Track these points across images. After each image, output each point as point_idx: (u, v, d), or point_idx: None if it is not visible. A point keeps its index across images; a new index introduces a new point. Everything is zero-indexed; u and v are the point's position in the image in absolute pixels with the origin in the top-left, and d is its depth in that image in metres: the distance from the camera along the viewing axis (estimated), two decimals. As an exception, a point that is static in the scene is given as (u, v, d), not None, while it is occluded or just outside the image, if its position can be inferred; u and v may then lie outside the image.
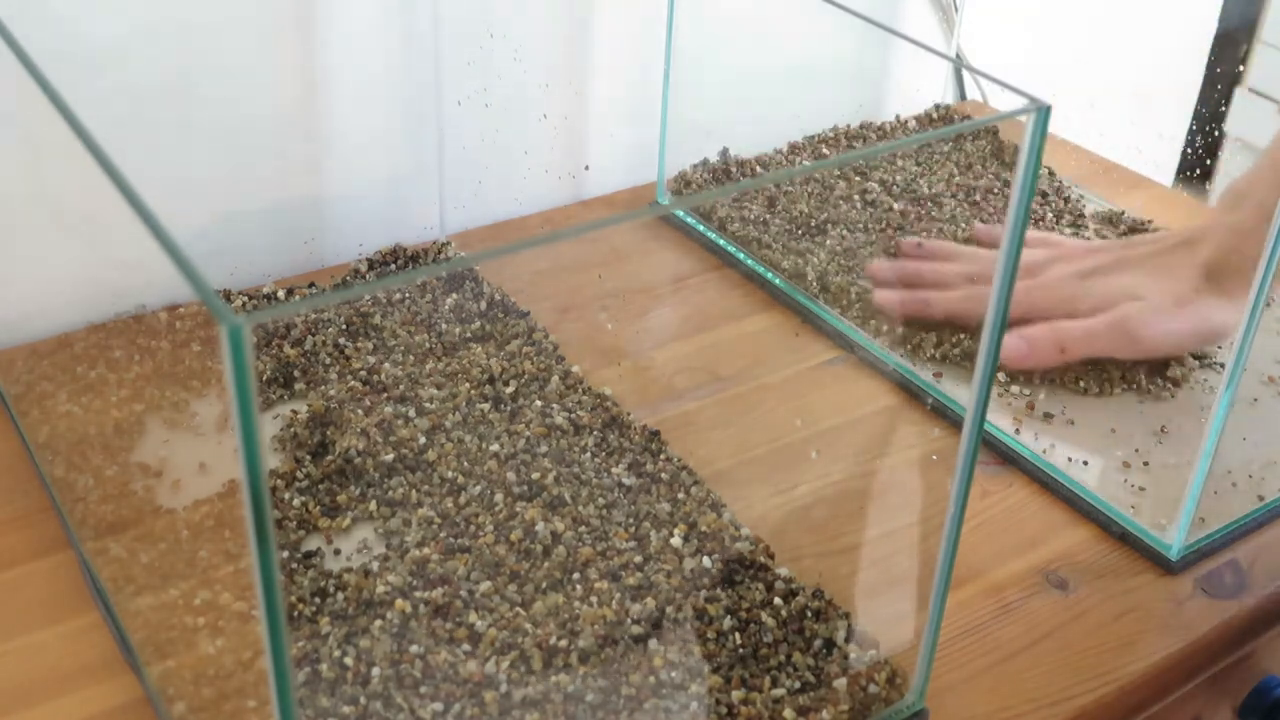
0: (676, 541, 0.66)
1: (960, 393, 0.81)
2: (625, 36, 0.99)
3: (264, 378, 0.77)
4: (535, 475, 0.70)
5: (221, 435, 0.73)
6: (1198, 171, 1.55)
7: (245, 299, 0.85)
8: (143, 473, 0.70)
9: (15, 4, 0.69)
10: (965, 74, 1.24)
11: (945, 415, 0.80)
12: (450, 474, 0.70)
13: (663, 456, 0.73)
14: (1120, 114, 1.27)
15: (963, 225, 0.97)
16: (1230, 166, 1.77)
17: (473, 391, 0.76)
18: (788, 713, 0.57)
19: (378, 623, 0.60)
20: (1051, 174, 1.09)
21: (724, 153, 1.06)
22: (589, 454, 0.73)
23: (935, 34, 1.20)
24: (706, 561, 0.65)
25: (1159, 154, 1.41)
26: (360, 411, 0.74)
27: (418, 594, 0.62)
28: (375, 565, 0.64)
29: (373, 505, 0.68)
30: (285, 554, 0.65)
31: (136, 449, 0.72)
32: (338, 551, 0.66)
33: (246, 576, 0.61)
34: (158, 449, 0.72)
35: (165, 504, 0.68)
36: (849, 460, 0.76)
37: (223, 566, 0.64)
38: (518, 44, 0.94)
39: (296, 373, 0.77)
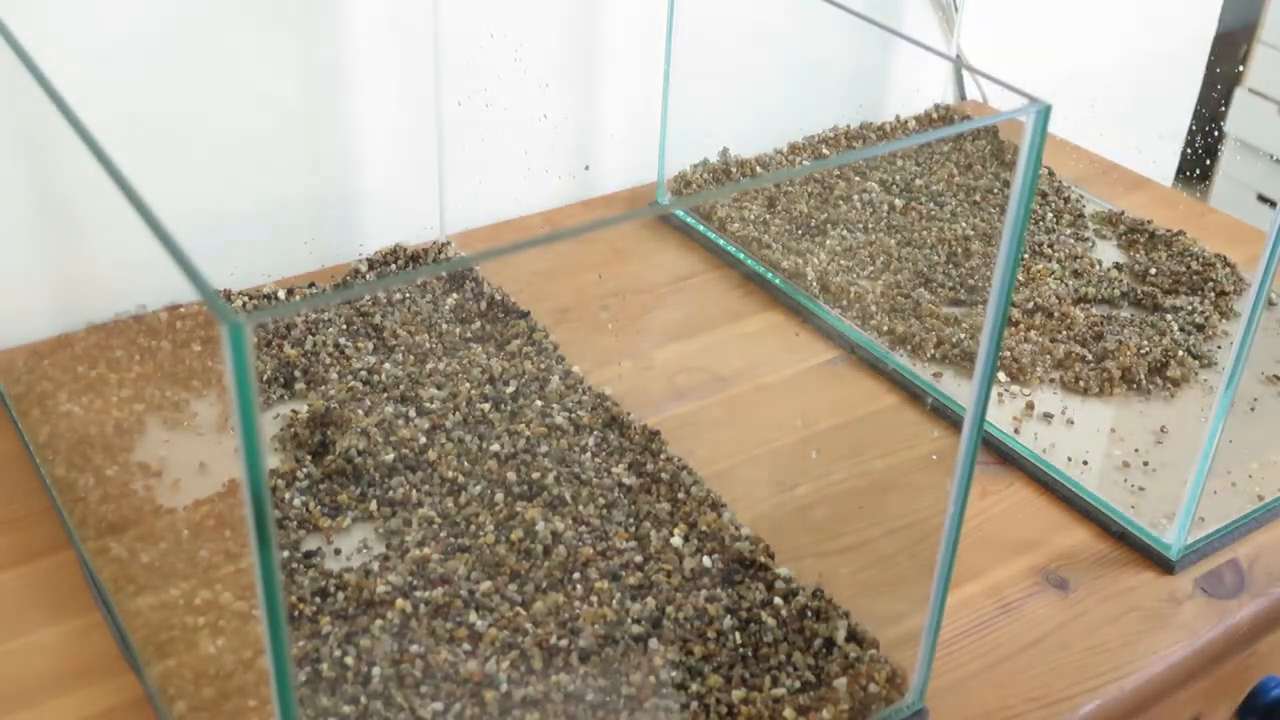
0: (676, 541, 0.66)
1: (960, 393, 0.81)
2: (625, 36, 0.99)
3: (264, 378, 0.77)
4: (535, 475, 0.70)
5: (221, 435, 0.73)
6: (1198, 171, 1.55)
7: (245, 299, 0.85)
8: (143, 473, 0.70)
9: (15, 3, 0.69)
10: (965, 74, 1.24)
11: (945, 415, 0.80)
12: (450, 474, 0.70)
13: (663, 456, 0.73)
14: (1120, 114, 1.27)
15: (964, 224, 0.97)
16: (1230, 166, 1.77)
17: (473, 391, 0.77)
18: (788, 712, 0.58)
19: (378, 622, 0.60)
20: (1051, 174, 1.09)
21: (724, 153, 1.06)
22: (589, 454, 0.73)
23: (935, 34, 1.20)
24: (706, 561, 0.65)
25: (1159, 154, 1.41)
26: (360, 411, 0.74)
27: (418, 594, 0.62)
28: (375, 565, 0.64)
29: (373, 505, 0.68)
30: (285, 554, 0.65)
31: (136, 449, 0.72)
32: (338, 551, 0.66)
33: (247, 576, 0.61)
34: (158, 449, 0.72)
35: (165, 504, 0.68)
36: (849, 460, 0.76)
37: (223, 566, 0.64)
38: (518, 44, 0.94)
39: (296, 373, 0.77)
